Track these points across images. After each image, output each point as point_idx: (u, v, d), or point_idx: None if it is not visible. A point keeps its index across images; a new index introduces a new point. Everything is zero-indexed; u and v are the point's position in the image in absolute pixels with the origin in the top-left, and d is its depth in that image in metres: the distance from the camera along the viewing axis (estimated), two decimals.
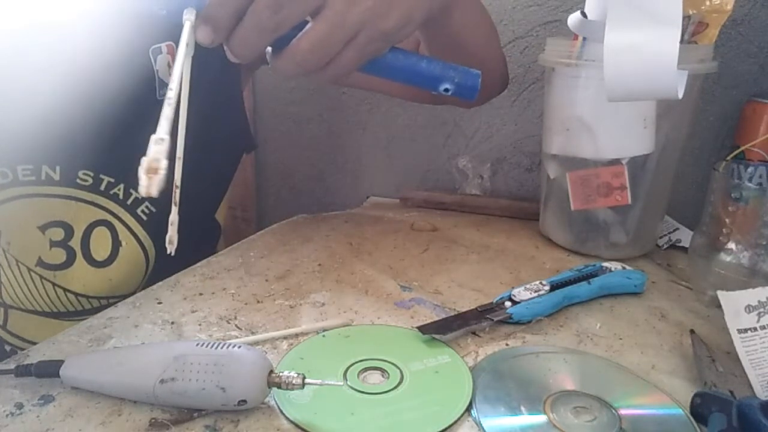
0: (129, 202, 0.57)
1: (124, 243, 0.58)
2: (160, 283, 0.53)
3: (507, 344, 0.44)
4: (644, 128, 0.55)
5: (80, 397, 0.36)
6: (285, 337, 0.44)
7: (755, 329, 0.39)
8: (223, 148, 0.66)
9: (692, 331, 0.43)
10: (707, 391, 0.36)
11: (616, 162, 0.57)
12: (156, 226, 0.59)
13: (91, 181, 0.55)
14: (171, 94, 0.31)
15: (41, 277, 0.56)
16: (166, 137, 0.29)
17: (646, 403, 0.37)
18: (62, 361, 0.37)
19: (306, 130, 0.91)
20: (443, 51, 0.54)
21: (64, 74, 0.50)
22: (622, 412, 0.35)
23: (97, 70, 0.51)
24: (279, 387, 0.34)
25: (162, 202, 0.57)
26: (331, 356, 0.41)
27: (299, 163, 0.93)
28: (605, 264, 0.53)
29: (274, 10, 0.37)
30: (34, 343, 0.43)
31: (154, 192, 0.28)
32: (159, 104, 0.31)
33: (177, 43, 0.36)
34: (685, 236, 0.63)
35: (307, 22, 0.39)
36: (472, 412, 0.36)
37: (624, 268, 0.53)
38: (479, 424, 0.35)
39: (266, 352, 0.42)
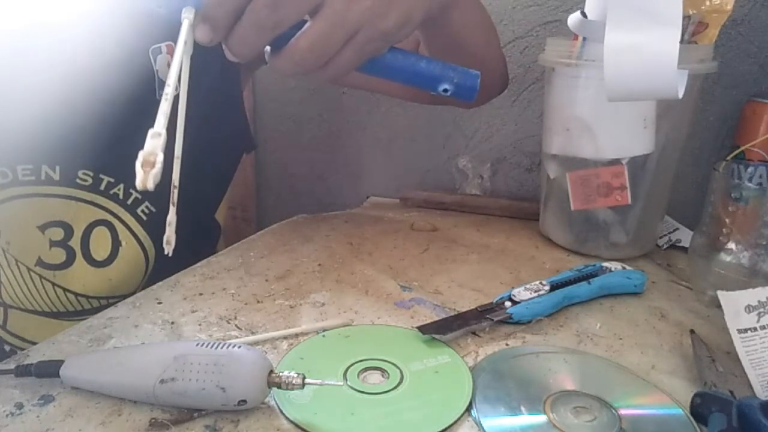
0: (129, 201, 0.57)
1: (123, 243, 0.58)
2: (160, 283, 0.53)
3: (507, 344, 0.44)
4: (644, 128, 0.55)
5: (80, 397, 0.36)
6: (285, 337, 0.44)
7: (755, 329, 0.39)
8: (223, 148, 0.66)
9: (692, 331, 0.43)
10: (707, 391, 0.36)
11: (616, 162, 0.57)
12: (156, 226, 0.59)
13: (90, 180, 0.55)
14: (168, 90, 0.31)
15: (41, 276, 0.56)
16: (163, 132, 0.29)
17: (646, 403, 0.37)
18: (62, 361, 0.37)
19: (306, 130, 0.91)
20: (443, 51, 0.54)
21: (64, 74, 0.50)
22: (622, 412, 0.35)
23: (96, 71, 0.51)
24: (279, 387, 0.34)
25: (162, 201, 0.57)
26: (331, 356, 0.41)
27: (299, 163, 0.93)
28: (605, 264, 0.53)
29: (272, 8, 0.37)
30: (34, 343, 0.43)
31: (150, 185, 0.28)
32: (159, 104, 0.31)
33: (176, 42, 0.36)
34: (685, 236, 0.63)
35: (306, 21, 0.39)
36: (472, 412, 0.36)
37: (624, 268, 0.53)
38: (479, 424, 0.35)
39: (266, 352, 0.42)
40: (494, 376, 0.39)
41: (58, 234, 0.55)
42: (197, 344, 0.35)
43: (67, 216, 0.55)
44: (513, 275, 0.56)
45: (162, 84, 0.56)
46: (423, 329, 0.43)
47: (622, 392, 0.38)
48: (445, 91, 0.43)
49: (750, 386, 0.38)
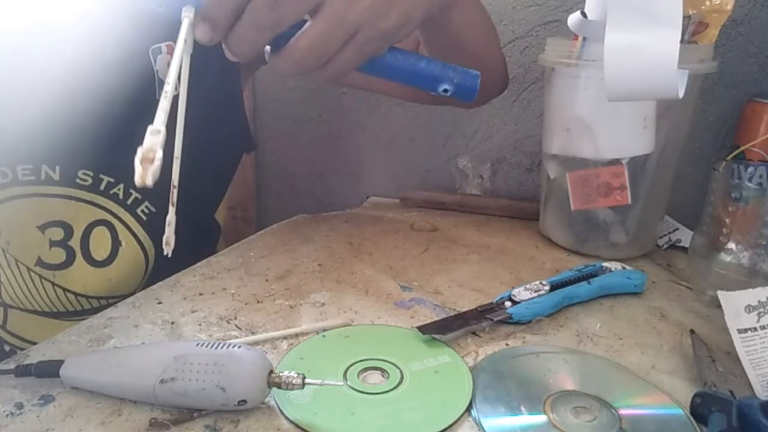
0: (129, 201, 0.57)
1: (123, 243, 0.58)
2: (160, 283, 0.53)
3: (507, 344, 0.44)
4: (644, 128, 0.55)
5: (80, 397, 0.36)
6: (285, 337, 0.44)
7: (755, 329, 0.39)
8: (223, 148, 0.66)
9: (692, 331, 0.43)
10: (707, 391, 0.36)
11: (616, 162, 0.57)
12: (156, 226, 0.59)
13: (90, 180, 0.55)
14: (167, 88, 0.31)
15: (41, 276, 0.56)
16: (162, 129, 0.29)
17: (646, 403, 0.37)
18: (62, 361, 0.37)
19: (306, 130, 0.91)
20: (443, 51, 0.54)
21: (64, 74, 0.50)
22: (622, 412, 0.35)
23: (96, 71, 0.51)
24: (279, 387, 0.34)
25: (162, 201, 0.57)
26: (331, 356, 0.41)
27: (299, 163, 0.93)
28: (605, 264, 0.53)
29: (272, 8, 0.37)
30: (34, 343, 0.43)
31: (149, 181, 0.28)
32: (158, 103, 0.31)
33: (176, 42, 0.36)
34: (685, 236, 0.63)
35: (305, 21, 0.39)
36: (472, 412, 0.36)
37: (624, 268, 0.53)
38: (479, 424, 0.35)
39: (266, 352, 0.42)
40: (494, 376, 0.39)
41: (58, 234, 0.55)
42: (197, 344, 0.35)
43: (67, 216, 0.55)
44: (513, 275, 0.56)
45: (162, 84, 0.56)
46: (423, 329, 0.43)
47: (622, 392, 0.38)
48: (445, 91, 0.43)
49: (750, 386, 0.38)
